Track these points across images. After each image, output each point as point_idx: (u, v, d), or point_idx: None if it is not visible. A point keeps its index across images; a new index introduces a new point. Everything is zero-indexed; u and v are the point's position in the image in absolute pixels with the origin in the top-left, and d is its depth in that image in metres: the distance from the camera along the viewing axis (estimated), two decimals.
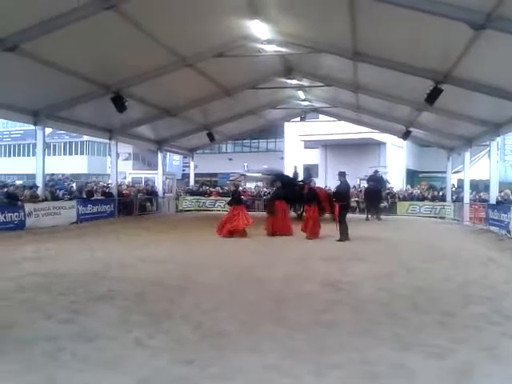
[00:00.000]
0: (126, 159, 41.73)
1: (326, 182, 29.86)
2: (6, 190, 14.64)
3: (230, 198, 14.75)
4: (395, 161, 33.33)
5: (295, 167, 21.60)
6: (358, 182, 25.23)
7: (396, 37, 11.21)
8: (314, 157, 35.97)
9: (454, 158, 23.14)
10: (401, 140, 26.73)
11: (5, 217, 13.13)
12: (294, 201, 19.25)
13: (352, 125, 26.33)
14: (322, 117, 29.19)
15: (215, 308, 5.41)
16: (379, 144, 32.45)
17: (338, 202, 12.29)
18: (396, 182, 29.05)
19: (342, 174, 12.74)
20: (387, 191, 23.53)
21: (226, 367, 3.67)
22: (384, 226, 17.00)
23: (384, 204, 22.75)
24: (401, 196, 24.07)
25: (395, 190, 25.05)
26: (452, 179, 24.12)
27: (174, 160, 41.36)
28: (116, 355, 3.91)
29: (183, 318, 5.00)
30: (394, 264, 8.68)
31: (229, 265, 8.36)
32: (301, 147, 36.17)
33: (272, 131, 39.12)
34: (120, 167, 23.26)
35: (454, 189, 23.74)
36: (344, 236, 11.95)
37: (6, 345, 4.14)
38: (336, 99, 20.90)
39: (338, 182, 13.10)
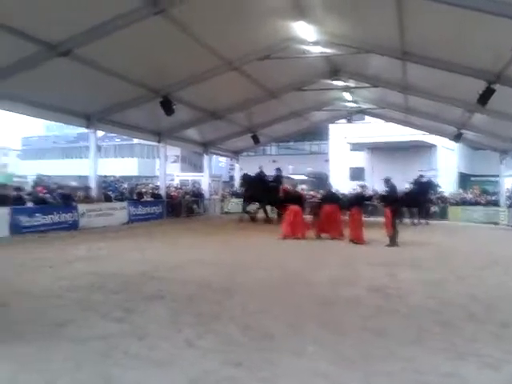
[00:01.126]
0: (174, 161, 42.63)
1: (372, 185, 29.34)
2: (61, 191, 15.29)
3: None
4: (446, 164, 32.22)
5: (261, 167, 21.06)
6: (407, 186, 24.63)
7: (446, 35, 10.86)
8: (360, 160, 35.39)
9: (508, 161, 22.15)
10: (452, 142, 25.85)
11: (59, 217, 13.73)
12: (266, 203, 19.16)
13: (400, 126, 25.73)
14: (368, 118, 28.71)
15: (262, 310, 5.45)
16: (430, 146, 31.46)
17: (389, 207, 12.16)
18: (447, 185, 28.08)
19: (387, 181, 12.69)
20: (437, 195, 22.80)
21: (274, 371, 3.69)
22: (434, 232, 16.49)
23: (434, 209, 22.08)
24: (452, 201, 23.27)
25: (446, 194, 24.24)
26: (506, 183, 23.08)
27: (221, 162, 41.87)
28: (167, 354, 4.02)
29: (231, 319, 5.07)
30: (445, 270, 8.42)
31: (275, 267, 8.38)
32: (346, 150, 35.69)
33: (317, 133, 38.78)
34: (168, 169, 23.82)
35: (508, 193, 22.70)
36: (394, 241, 11.79)
37: (62, 342, 4.29)
38: (383, 100, 20.49)
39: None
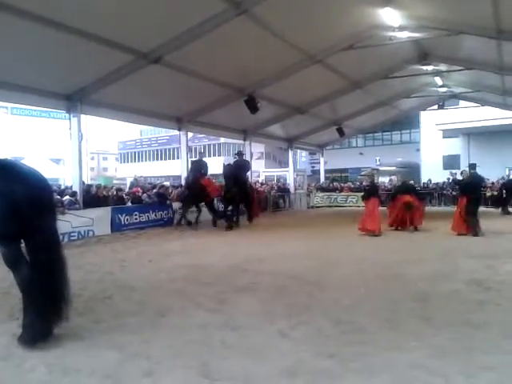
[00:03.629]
0: (259, 158, 43.32)
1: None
2: (156, 190, 16.19)
3: (363, 193, 14.39)
4: None
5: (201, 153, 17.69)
6: (507, 173, 22.80)
7: None
8: (454, 147, 33.47)
9: None
10: None
11: (155, 215, 14.58)
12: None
13: (498, 110, 23.92)
14: (462, 103, 27.06)
15: (354, 304, 5.36)
16: None
17: (466, 196, 11.68)
18: None
19: (472, 166, 12.37)
20: None
21: (368, 363, 3.64)
22: None
23: None
24: None
25: None
26: None
27: (302, 157, 41.79)
28: (261, 344, 4.10)
29: (322, 312, 5.05)
30: None
31: (365, 261, 8.21)
32: (439, 137, 33.91)
33: (406, 122, 37.07)
34: (253, 166, 24.21)
35: None
36: (476, 230, 11.31)
37: (162, 331, 4.53)
38: (478, 83, 19.18)
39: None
